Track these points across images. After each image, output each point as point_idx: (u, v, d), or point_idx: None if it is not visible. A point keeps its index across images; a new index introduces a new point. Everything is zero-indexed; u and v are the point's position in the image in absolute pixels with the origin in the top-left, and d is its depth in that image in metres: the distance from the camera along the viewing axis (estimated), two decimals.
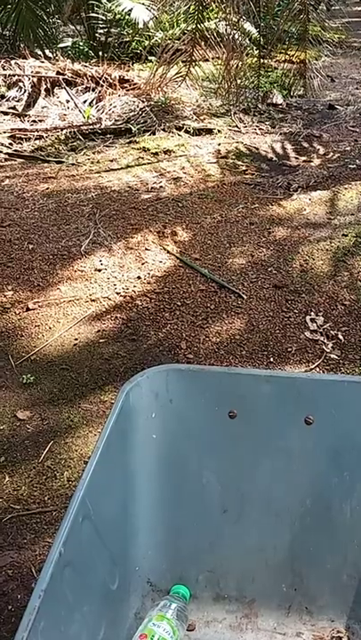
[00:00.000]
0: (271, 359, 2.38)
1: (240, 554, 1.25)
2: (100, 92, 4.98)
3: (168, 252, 3.05)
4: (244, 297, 2.72)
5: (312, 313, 2.63)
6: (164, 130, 4.58)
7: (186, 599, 1.23)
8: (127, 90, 5.10)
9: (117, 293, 2.75)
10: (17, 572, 1.62)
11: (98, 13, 6.01)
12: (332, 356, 2.39)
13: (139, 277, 2.86)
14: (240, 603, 1.24)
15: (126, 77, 5.25)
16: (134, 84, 5.20)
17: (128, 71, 5.62)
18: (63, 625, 1.00)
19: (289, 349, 2.42)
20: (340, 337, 2.48)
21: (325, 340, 2.47)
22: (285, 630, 1.19)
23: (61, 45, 6.33)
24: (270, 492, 1.26)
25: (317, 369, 2.33)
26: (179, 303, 2.69)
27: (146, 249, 3.08)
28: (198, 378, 1.33)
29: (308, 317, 2.60)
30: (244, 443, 1.29)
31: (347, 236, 3.16)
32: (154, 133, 4.54)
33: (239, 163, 4.19)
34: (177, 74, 4.65)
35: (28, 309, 2.65)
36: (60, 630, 0.99)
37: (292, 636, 1.18)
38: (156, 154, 4.25)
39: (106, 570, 1.15)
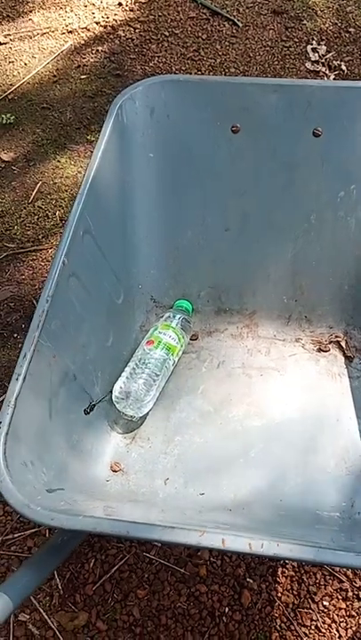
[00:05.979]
0: None
1: (242, 270, 1.25)
2: None
3: None
4: (240, 24, 2.43)
5: (314, 42, 2.38)
6: None
7: (189, 312, 1.26)
8: None
9: (97, 23, 2.45)
10: (19, 305, 1.66)
11: None
12: None
13: (120, 4, 2.52)
14: (241, 315, 1.27)
15: None
16: None
17: None
18: (73, 329, 1.02)
19: None
20: (343, 67, 2.27)
21: (327, 72, 2.27)
22: (285, 337, 1.24)
23: None
24: (274, 208, 1.22)
25: None
26: (166, 33, 2.41)
27: None
28: (198, 89, 1.20)
29: (309, 47, 2.36)
30: (247, 159, 1.21)
31: None
32: None
33: None
34: None
35: None
36: (70, 334, 1.01)
37: (291, 342, 1.23)
38: None
39: (110, 284, 1.15)
